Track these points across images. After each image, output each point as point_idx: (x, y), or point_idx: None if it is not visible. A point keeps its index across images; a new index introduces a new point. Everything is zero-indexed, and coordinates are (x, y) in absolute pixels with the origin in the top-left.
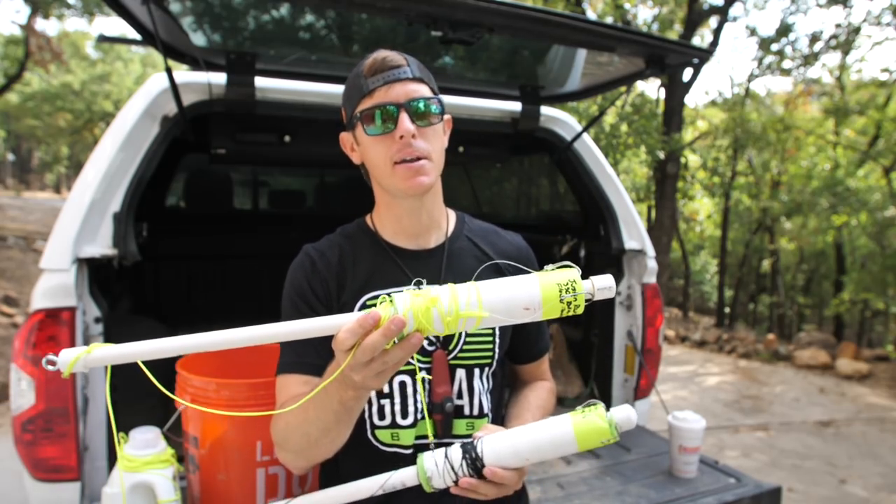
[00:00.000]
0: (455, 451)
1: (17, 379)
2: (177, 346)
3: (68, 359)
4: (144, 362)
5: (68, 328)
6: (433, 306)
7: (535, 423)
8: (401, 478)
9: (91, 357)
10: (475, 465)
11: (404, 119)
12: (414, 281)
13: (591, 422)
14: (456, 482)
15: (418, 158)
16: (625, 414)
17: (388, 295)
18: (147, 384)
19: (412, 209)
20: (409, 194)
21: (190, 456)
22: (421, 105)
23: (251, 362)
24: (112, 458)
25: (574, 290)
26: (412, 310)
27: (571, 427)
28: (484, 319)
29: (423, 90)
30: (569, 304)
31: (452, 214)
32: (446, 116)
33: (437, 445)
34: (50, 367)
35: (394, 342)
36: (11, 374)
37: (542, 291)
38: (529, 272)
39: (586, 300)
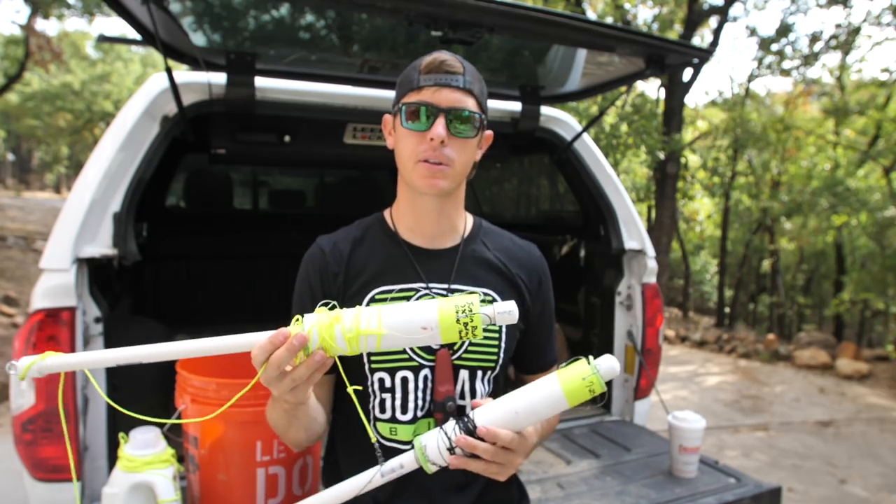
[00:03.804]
0: (450, 425)
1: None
2: (116, 357)
3: (23, 365)
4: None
5: (68, 328)
6: (336, 324)
7: (524, 387)
8: (399, 460)
9: (44, 364)
10: (471, 435)
11: (439, 124)
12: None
13: (576, 375)
14: (451, 450)
15: (441, 163)
16: (608, 364)
17: (302, 315)
18: (146, 384)
19: (431, 210)
20: (424, 192)
21: (190, 456)
22: (460, 116)
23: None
24: (112, 458)
25: (471, 311)
26: (317, 327)
27: (559, 384)
28: (383, 337)
29: (469, 103)
30: (465, 324)
31: (470, 219)
32: (487, 133)
33: None
34: (12, 372)
35: (302, 359)
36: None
37: (439, 313)
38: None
39: (487, 324)
